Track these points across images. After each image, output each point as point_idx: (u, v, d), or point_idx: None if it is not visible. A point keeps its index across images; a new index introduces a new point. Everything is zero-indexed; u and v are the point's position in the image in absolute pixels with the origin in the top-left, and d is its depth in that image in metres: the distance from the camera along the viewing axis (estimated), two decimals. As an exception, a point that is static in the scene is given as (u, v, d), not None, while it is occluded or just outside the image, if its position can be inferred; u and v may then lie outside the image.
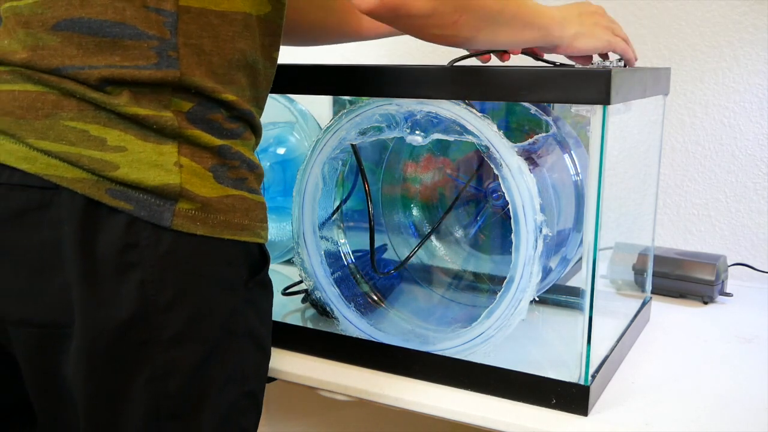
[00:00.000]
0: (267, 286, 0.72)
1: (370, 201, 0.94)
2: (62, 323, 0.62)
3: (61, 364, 0.64)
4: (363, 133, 0.86)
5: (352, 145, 0.90)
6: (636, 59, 0.89)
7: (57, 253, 0.61)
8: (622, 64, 0.88)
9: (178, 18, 0.61)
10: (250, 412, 0.72)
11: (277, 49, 0.72)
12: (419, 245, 1.02)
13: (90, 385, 0.63)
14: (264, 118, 1.15)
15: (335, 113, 0.88)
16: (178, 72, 0.61)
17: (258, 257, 0.69)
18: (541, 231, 0.77)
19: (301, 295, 1.02)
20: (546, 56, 0.88)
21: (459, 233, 1.05)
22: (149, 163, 0.60)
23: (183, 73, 0.61)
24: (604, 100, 0.69)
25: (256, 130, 0.70)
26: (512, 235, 0.78)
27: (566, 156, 0.92)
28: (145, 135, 0.61)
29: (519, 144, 0.80)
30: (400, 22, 0.66)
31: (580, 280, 0.80)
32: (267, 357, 0.74)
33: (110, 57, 0.60)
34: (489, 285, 1.02)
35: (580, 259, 0.89)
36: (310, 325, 0.96)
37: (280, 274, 1.17)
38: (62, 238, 0.60)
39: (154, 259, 0.61)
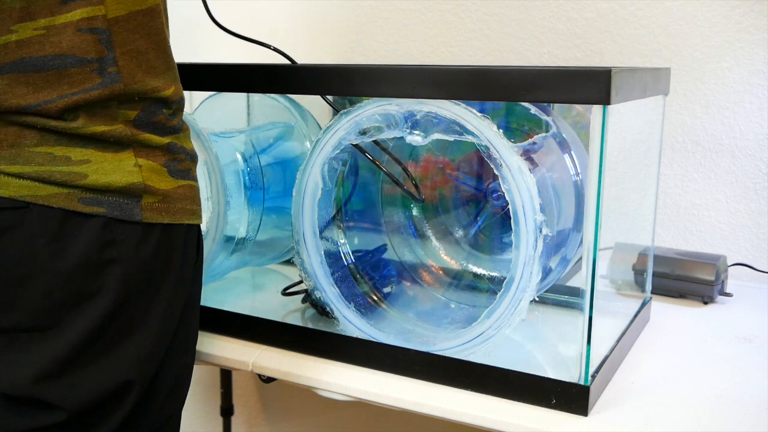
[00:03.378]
0: (202, 262, 0.81)
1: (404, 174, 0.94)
2: (44, 326, 0.67)
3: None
4: (363, 133, 0.86)
5: (355, 144, 0.90)
6: None
7: (33, 264, 0.65)
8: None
9: (110, 32, 0.66)
10: (188, 381, 0.80)
11: (166, 11, 0.77)
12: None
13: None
14: (264, 118, 1.16)
15: (335, 113, 0.88)
16: (121, 85, 0.67)
17: (199, 236, 0.78)
18: (541, 231, 0.77)
19: (301, 295, 1.02)
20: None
21: (459, 233, 1.05)
22: (112, 168, 0.67)
23: (126, 84, 0.67)
24: (604, 100, 0.69)
25: (183, 108, 0.76)
26: (512, 235, 0.78)
27: (566, 156, 0.92)
28: (104, 147, 0.67)
29: (519, 144, 0.80)
30: None
31: (580, 280, 0.80)
32: (198, 325, 0.82)
33: (59, 88, 0.64)
34: (489, 285, 1.02)
35: (580, 259, 0.89)
36: (310, 325, 0.96)
37: (280, 274, 1.18)
38: (37, 250, 0.65)
39: (132, 251, 0.68)
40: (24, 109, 0.64)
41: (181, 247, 0.73)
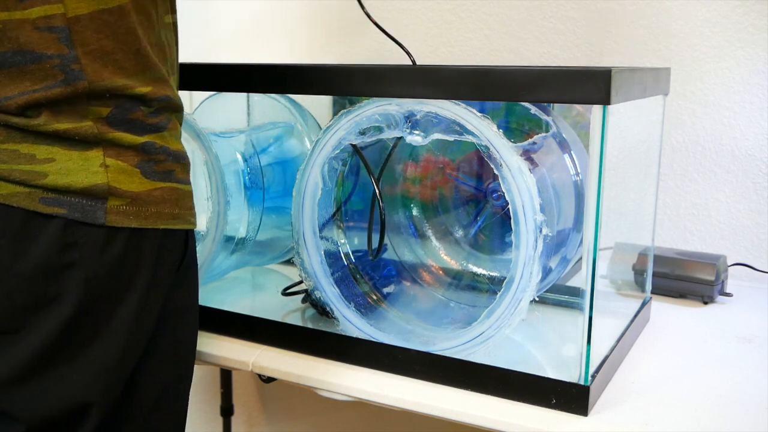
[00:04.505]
0: (194, 265, 0.77)
1: (381, 197, 0.94)
2: (7, 329, 0.65)
3: None
4: (363, 133, 0.86)
5: (353, 145, 0.90)
6: None
7: None
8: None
9: (70, 30, 0.63)
10: (183, 393, 0.77)
11: (171, 11, 0.74)
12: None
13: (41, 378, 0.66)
14: (264, 118, 1.16)
15: (335, 113, 0.88)
16: (86, 82, 0.63)
17: (186, 241, 0.74)
18: (541, 231, 0.77)
19: (301, 295, 1.02)
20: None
21: (459, 233, 1.05)
22: (76, 168, 0.64)
23: (91, 81, 0.64)
24: (604, 100, 0.69)
25: (178, 109, 0.72)
26: (512, 235, 0.78)
27: (566, 156, 0.92)
28: (70, 145, 0.64)
29: (519, 144, 0.80)
30: None
31: (580, 280, 0.80)
32: (196, 334, 0.79)
33: (21, 84, 0.62)
34: (489, 285, 1.02)
35: (580, 259, 0.89)
36: (310, 325, 0.96)
37: (280, 274, 1.18)
38: None
39: (94, 255, 0.64)
40: None
41: (154, 253, 0.69)
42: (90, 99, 0.64)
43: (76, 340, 0.65)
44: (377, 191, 0.94)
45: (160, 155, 0.69)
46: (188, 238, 0.75)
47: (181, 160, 0.72)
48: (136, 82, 0.66)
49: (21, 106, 0.62)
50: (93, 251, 0.64)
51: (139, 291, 0.68)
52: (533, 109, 0.89)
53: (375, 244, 0.98)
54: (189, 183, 0.73)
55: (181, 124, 0.74)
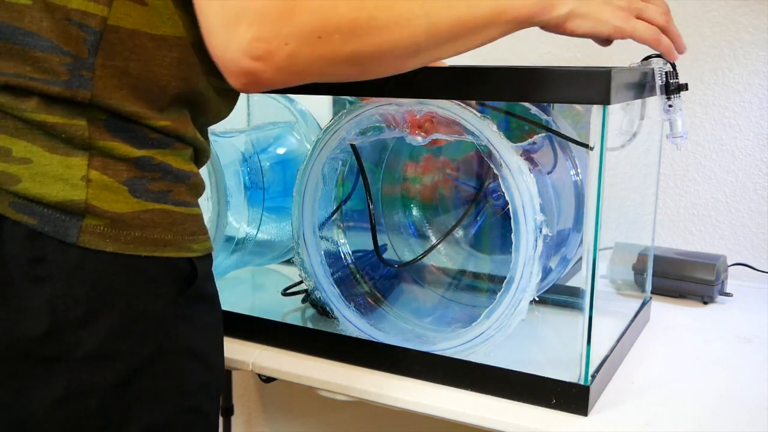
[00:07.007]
0: (206, 299, 0.68)
1: (370, 199, 0.95)
2: None
3: None
4: (363, 133, 0.86)
5: (351, 145, 0.90)
6: (679, 51, 0.81)
7: None
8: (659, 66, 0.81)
9: (101, 38, 0.57)
10: (195, 428, 0.69)
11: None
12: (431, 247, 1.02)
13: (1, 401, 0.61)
14: (264, 118, 1.16)
15: (335, 113, 0.88)
16: (89, 93, 0.57)
17: (189, 271, 0.64)
18: (541, 231, 0.77)
19: (301, 295, 1.02)
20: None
21: (459, 233, 1.05)
22: (54, 176, 0.57)
23: (95, 95, 0.57)
24: (604, 100, 0.69)
25: (198, 152, 0.66)
26: (512, 235, 0.78)
27: (566, 156, 0.92)
28: (53, 146, 0.57)
29: (519, 144, 0.80)
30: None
31: (580, 280, 0.80)
32: (213, 370, 0.70)
33: (21, 66, 0.56)
34: (489, 285, 1.02)
35: (580, 259, 0.89)
36: (310, 325, 0.96)
37: (280, 274, 1.18)
38: None
39: (63, 274, 0.58)
40: None
41: (135, 282, 0.60)
42: (90, 106, 0.58)
43: (40, 362, 0.59)
44: (368, 195, 0.94)
45: (156, 173, 0.61)
46: (193, 267, 0.65)
47: (185, 180, 0.63)
48: (152, 114, 0.60)
49: (11, 86, 0.56)
50: (62, 270, 0.58)
51: (108, 320, 0.60)
52: (533, 109, 0.89)
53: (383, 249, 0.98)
54: (193, 205, 0.65)
55: (198, 161, 0.68)
